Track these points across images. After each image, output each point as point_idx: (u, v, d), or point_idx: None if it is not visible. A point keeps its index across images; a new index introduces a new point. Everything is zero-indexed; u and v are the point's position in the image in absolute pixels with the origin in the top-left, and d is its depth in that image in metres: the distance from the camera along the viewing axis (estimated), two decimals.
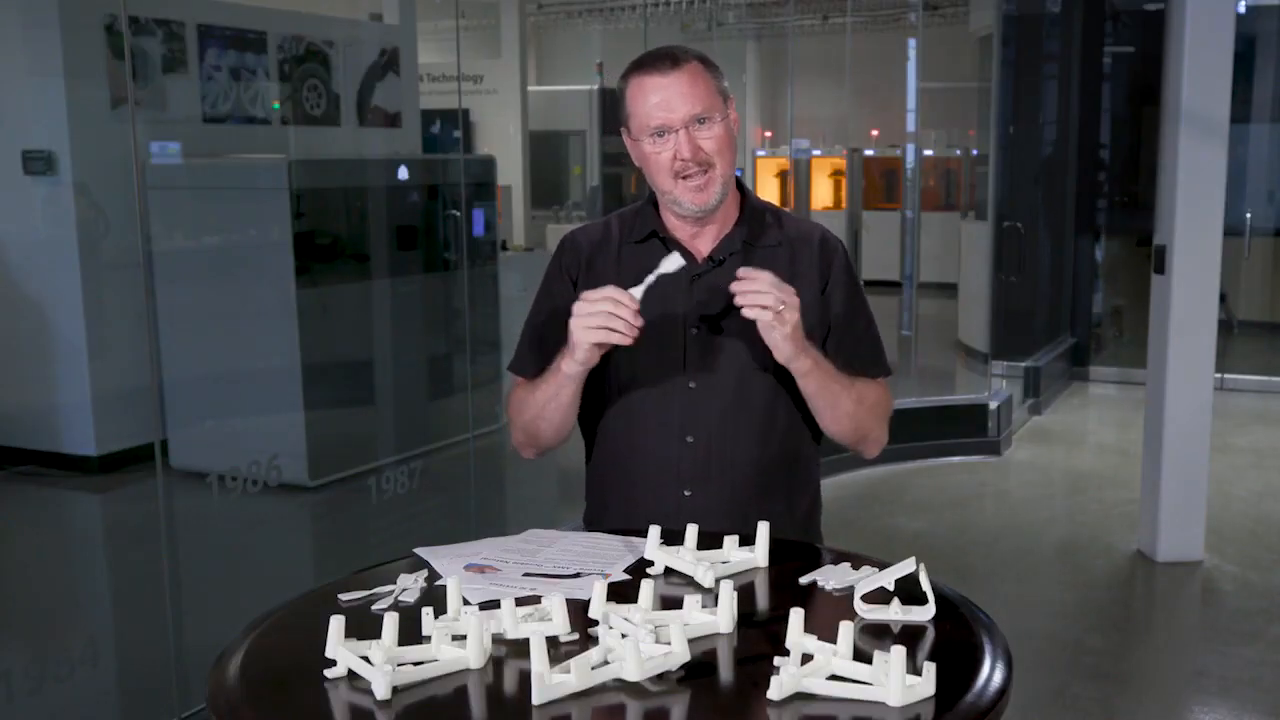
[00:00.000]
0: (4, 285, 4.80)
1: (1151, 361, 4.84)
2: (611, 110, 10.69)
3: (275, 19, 5.56)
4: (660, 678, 1.39)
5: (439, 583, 1.70)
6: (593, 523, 2.11)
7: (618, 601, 1.57)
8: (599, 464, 2.11)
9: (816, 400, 1.97)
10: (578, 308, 1.81)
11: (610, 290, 1.79)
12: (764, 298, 1.79)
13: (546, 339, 2.04)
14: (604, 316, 1.78)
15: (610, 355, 1.96)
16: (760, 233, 2.03)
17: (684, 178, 1.93)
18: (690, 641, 1.44)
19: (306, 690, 1.40)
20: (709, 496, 1.99)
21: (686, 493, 2.00)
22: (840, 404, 1.97)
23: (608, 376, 2.03)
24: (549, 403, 1.96)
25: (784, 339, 1.82)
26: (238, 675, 1.44)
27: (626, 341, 1.78)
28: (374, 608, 1.62)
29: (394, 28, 6.32)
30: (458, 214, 5.71)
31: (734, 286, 1.81)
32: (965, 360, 8.18)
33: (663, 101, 1.91)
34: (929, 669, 1.36)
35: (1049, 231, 8.61)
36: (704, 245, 2.02)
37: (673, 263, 1.87)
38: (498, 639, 1.50)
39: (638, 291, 1.80)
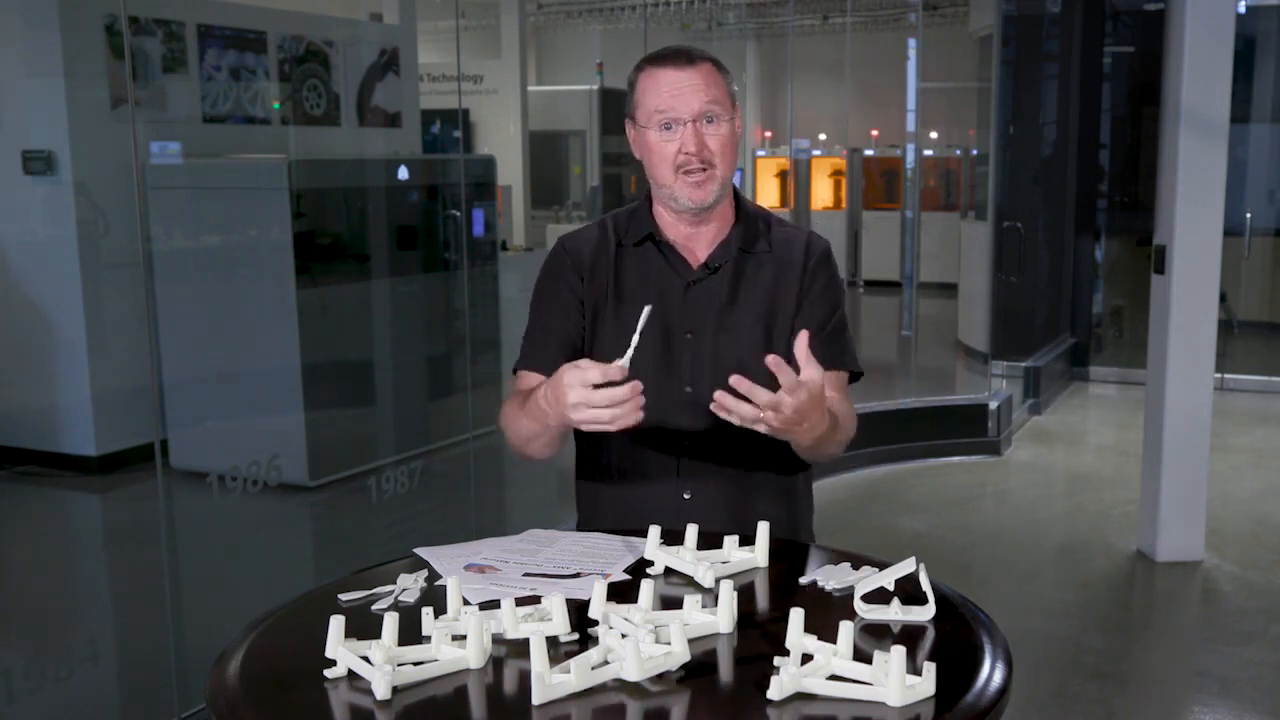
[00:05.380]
0: (4, 285, 4.80)
1: (1151, 361, 4.84)
2: (611, 110, 10.69)
3: (275, 19, 5.56)
4: (660, 678, 1.39)
5: (439, 583, 1.70)
6: (587, 523, 2.11)
7: (618, 601, 1.57)
8: (594, 466, 2.10)
9: (806, 454, 1.96)
10: (573, 395, 1.68)
11: (596, 374, 1.68)
12: (759, 425, 1.74)
13: (552, 337, 2.03)
14: (608, 413, 1.68)
15: (605, 356, 1.97)
16: (754, 239, 2.03)
17: (685, 172, 1.93)
18: (690, 641, 1.44)
19: (306, 690, 1.40)
20: (707, 499, 1.99)
21: (686, 495, 2.00)
22: (825, 449, 1.94)
23: None
24: (537, 438, 1.90)
25: (798, 431, 1.78)
26: (238, 675, 1.44)
27: (637, 419, 1.69)
28: (374, 608, 1.62)
29: (394, 28, 6.32)
30: (458, 214, 5.71)
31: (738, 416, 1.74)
32: (965, 360, 8.18)
33: (676, 94, 1.91)
34: (929, 669, 1.36)
35: (1049, 231, 8.61)
36: (699, 247, 2.02)
37: (643, 316, 1.77)
38: (498, 639, 1.50)
39: (625, 360, 1.70)
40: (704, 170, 1.93)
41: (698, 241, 2.02)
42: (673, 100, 1.91)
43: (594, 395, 1.67)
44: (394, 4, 6.30)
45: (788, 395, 1.69)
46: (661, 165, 1.95)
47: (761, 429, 1.75)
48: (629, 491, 2.04)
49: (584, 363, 1.70)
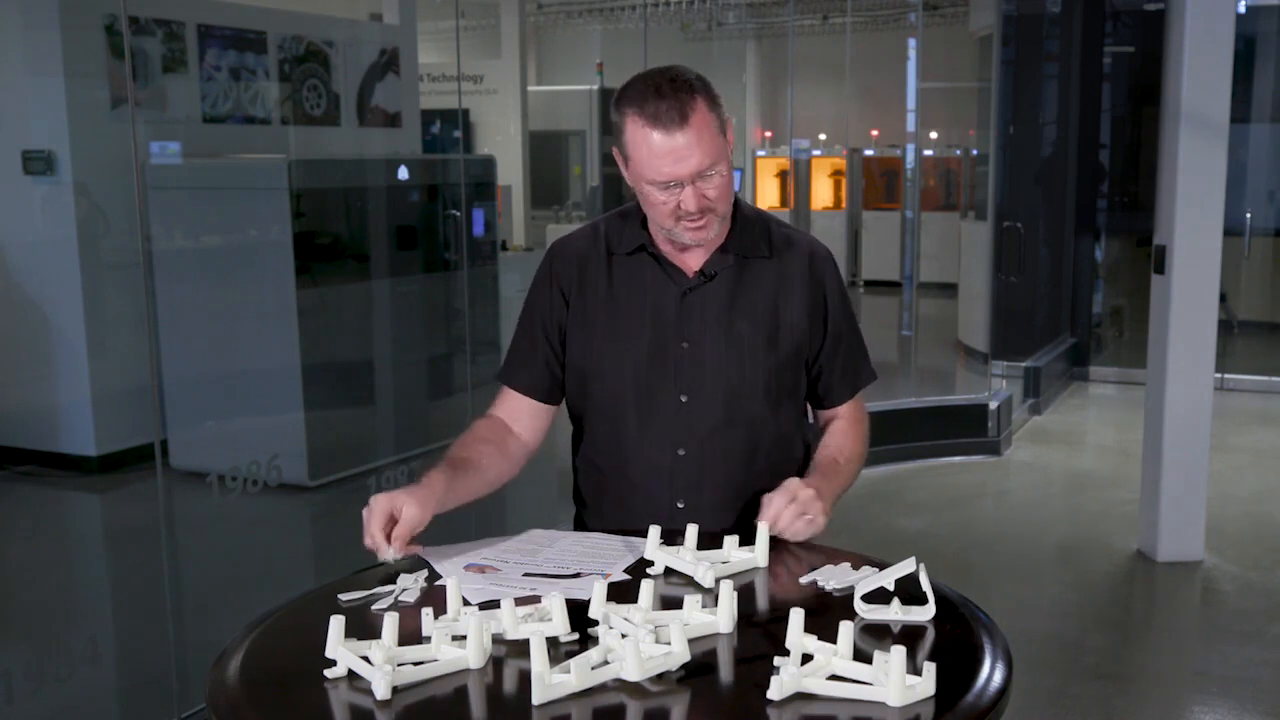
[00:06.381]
0: (4, 285, 4.79)
1: (1151, 361, 4.84)
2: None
3: (275, 19, 5.55)
4: (660, 678, 1.39)
5: (439, 583, 1.70)
6: (583, 525, 2.11)
7: (618, 601, 1.57)
8: (590, 470, 2.09)
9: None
10: (368, 510, 1.80)
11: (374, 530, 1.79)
12: (800, 521, 1.85)
13: (535, 351, 2.05)
14: (369, 540, 1.81)
15: (599, 367, 1.99)
16: (752, 245, 2.00)
17: (686, 218, 1.90)
18: (690, 641, 1.44)
19: (306, 690, 1.40)
20: (701, 507, 1.98)
21: (680, 504, 2.00)
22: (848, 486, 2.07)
23: (598, 386, 2.02)
24: None
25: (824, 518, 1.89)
26: (238, 675, 1.44)
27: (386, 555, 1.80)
28: (374, 608, 1.62)
29: (394, 28, 6.31)
30: (458, 214, 5.71)
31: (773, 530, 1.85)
32: (965, 360, 8.18)
33: (674, 162, 1.84)
34: (929, 669, 1.36)
35: (1049, 231, 8.61)
36: (693, 259, 1.99)
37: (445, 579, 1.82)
38: (498, 639, 1.50)
39: (393, 555, 1.79)
40: (704, 215, 1.89)
41: (691, 254, 1.99)
42: (671, 168, 1.84)
43: (374, 525, 1.78)
44: (394, 4, 6.30)
45: (786, 501, 1.85)
46: (661, 214, 1.90)
47: (813, 524, 1.87)
48: (622, 499, 2.03)
49: (400, 502, 1.79)
